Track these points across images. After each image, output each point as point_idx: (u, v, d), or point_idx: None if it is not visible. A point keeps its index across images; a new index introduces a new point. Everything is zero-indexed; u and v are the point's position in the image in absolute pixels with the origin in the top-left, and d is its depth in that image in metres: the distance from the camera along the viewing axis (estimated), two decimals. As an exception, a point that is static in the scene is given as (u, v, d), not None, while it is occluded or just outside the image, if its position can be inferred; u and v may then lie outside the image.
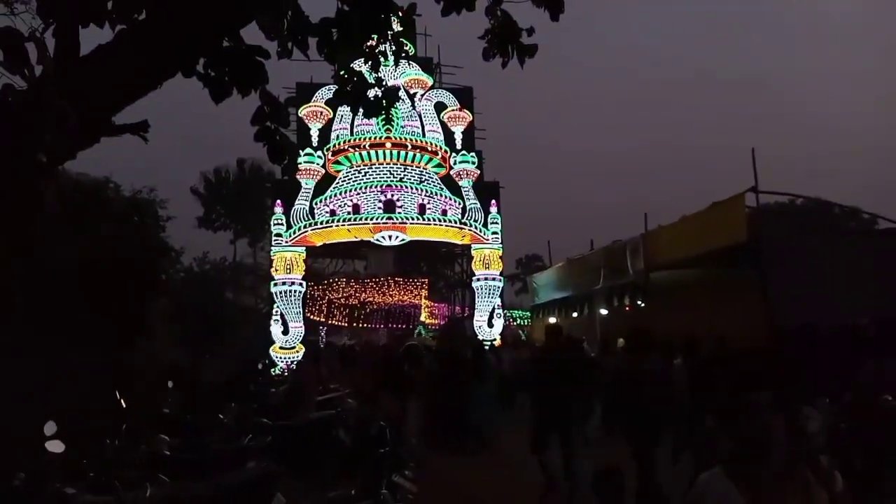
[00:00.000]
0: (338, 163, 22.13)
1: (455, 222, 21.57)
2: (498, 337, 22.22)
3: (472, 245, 22.86)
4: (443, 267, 33.41)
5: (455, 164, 22.55)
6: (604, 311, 18.82)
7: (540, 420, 7.49)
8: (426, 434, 10.49)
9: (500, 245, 22.90)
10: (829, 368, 9.20)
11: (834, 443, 5.79)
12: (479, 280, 22.83)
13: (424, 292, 29.74)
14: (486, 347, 15.67)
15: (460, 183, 22.48)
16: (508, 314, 27.28)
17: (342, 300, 28.61)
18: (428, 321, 30.24)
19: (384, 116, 4.07)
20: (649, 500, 6.82)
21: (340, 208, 21.13)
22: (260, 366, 18.05)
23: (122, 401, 5.49)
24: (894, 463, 5.49)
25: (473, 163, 22.70)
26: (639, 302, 16.43)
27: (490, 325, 22.44)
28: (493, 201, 23.05)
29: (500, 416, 10.93)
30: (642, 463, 6.72)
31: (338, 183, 21.72)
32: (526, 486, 8.32)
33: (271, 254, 21.90)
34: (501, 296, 23.37)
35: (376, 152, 21.34)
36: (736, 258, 12.26)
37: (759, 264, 11.39)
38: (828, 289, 11.15)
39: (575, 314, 20.62)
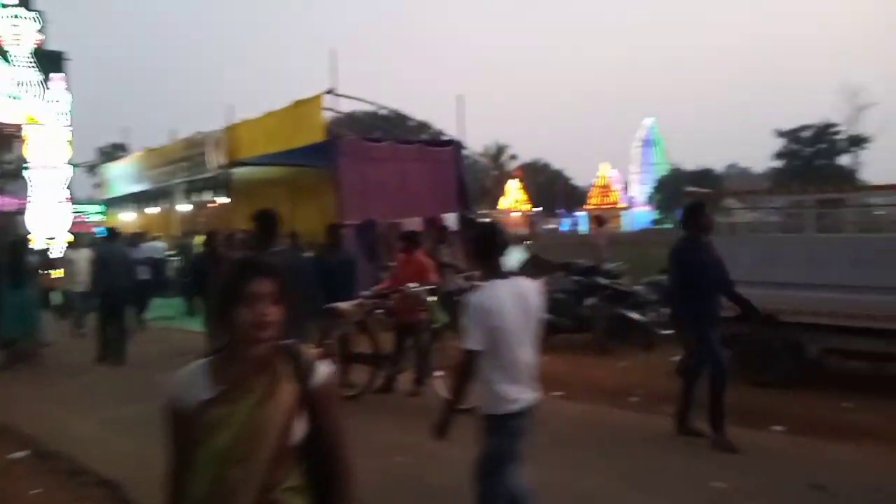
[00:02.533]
0: None
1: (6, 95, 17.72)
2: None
3: (28, 126, 19.18)
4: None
5: (5, 20, 18.28)
6: (185, 206, 17.87)
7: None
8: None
9: (70, 127, 19.70)
10: (381, 260, 10.32)
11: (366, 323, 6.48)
12: (36, 168, 19.40)
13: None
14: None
15: (10, 48, 18.40)
16: (77, 209, 23.99)
17: None
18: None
19: None
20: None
21: None
22: None
23: None
24: (413, 337, 6.37)
25: (35, 24, 18.69)
26: (218, 198, 16.00)
27: (53, 219, 19.44)
28: (60, 75, 19.54)
29: (41, 322, 9.57)
30: None
31: None
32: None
33: None
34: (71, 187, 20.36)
35: None
36: (315, 157, 12.62)
37: (333, 164, 11.87)
38: (389, 188, 12.29)
39: (153, 209, 19.13)
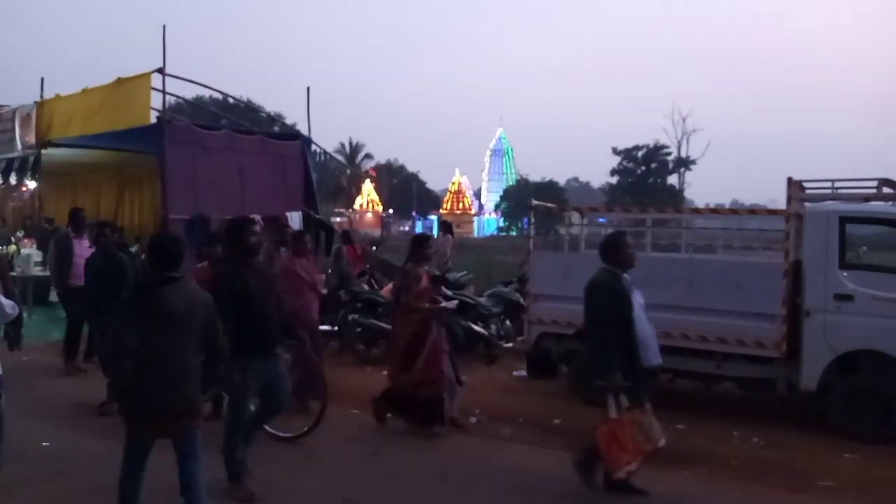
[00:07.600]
0: None
1: None
2: None
3: None
4: None
5: None
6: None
7: None
8: None
9: None
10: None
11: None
12: None
13: None
14: None
15: None
16: None
17: None
18: None
19: None
20: None
21: None
22: None
23: None
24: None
25: None
26: (29, 181, 14.03)
27: None
28: None
29: None
30: None
31: None
32: None
33: None
34: None
35: None
36: (140, 142, 11.32)
37: (160, 151, 10.66)
38: (224, 182, 11.26)
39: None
